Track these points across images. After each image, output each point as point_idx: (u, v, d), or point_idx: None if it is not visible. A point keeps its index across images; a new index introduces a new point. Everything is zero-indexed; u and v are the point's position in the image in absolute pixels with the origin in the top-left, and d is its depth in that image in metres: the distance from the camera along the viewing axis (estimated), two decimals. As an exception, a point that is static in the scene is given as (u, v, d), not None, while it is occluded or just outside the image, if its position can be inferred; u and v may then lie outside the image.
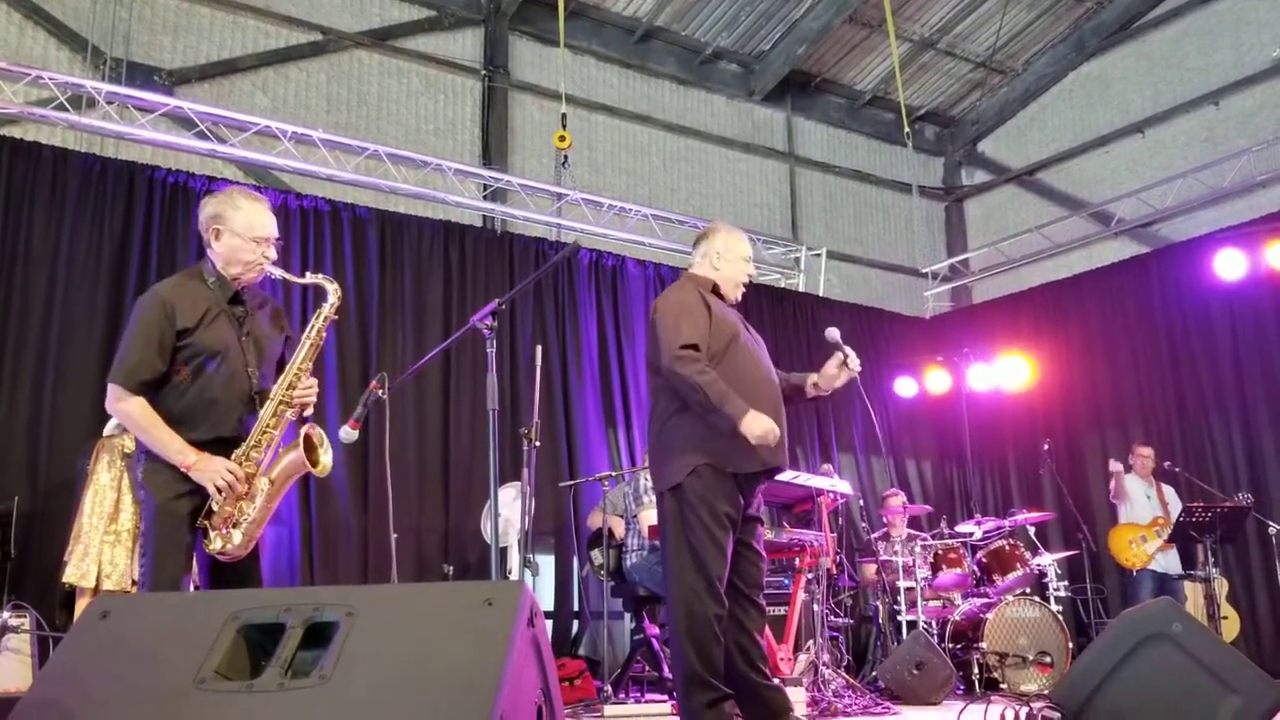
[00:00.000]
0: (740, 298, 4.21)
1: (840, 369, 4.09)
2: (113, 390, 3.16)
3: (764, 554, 4.02)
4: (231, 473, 3.12)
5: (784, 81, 10.77)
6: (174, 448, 3.11)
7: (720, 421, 3.69)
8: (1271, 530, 7.41)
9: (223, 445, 3.19)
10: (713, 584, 3.72)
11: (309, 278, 3.46)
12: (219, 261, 3.32)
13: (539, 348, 5.56)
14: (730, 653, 3.80)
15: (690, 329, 3.82)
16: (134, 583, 5.44)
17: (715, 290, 4.11)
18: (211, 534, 3.13)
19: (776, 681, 3.91)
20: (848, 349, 4.10)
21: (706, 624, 3.70)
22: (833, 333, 4.21)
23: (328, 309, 3.41)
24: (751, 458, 3.75)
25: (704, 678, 3.68)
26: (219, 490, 3.10)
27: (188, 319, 3.19)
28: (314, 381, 3.34)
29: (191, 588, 3.16)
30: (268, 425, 3.23)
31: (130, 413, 3.15)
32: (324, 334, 3.39)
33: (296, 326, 3.42)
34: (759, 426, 3.64)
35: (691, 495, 3.77)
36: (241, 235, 3.29)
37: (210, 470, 3.10)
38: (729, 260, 4.13)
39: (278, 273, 3.40)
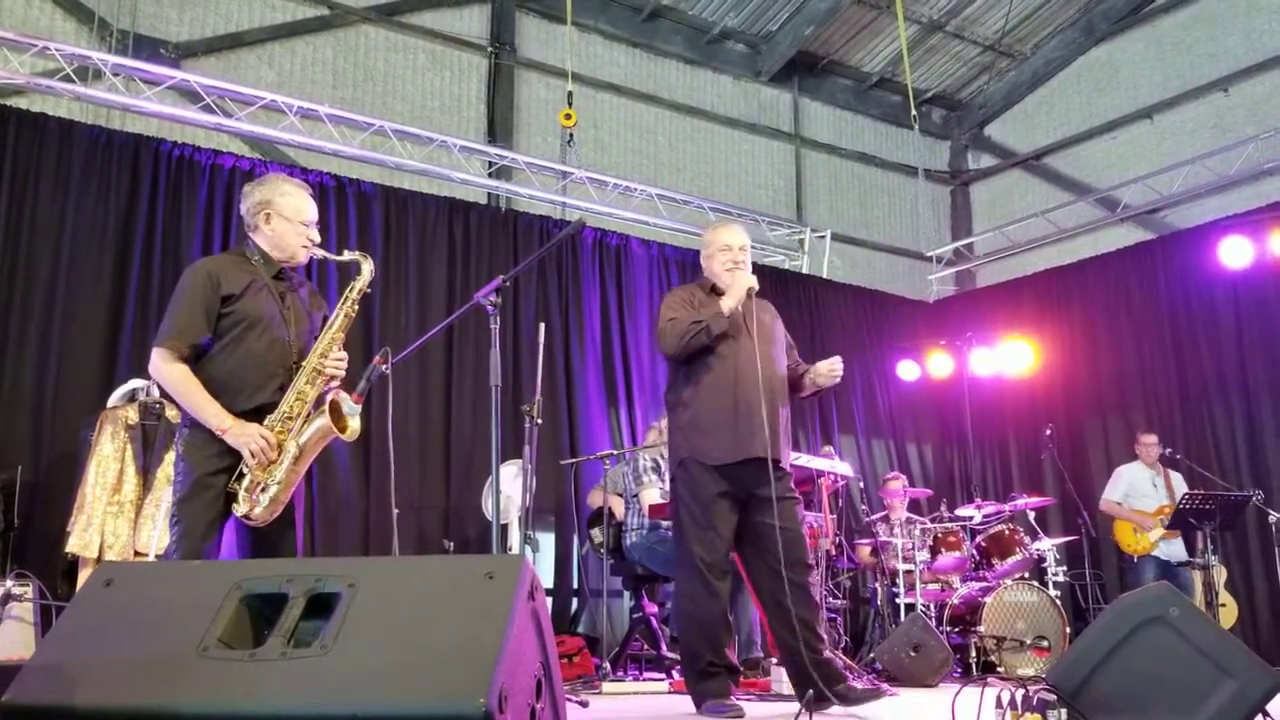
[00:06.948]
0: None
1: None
2: (156, 354, 3.25)
3: (798, 531, 4.07)
4: (264, 439, 3.19)
5: (791, 62, 10.73)
6: (210, 412, 3.19)
7: None
8: (1271, 519, 7.40)
9: (263, 413, 3.27)
10: (698, 566, 3.99)
11: (347, 254, 3.60)
12: (266, 244, 3.45)
13: (542, 325, 5.56)
14: (783, 635, 3.99)
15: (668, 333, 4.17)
16: (136, 553, 5.49)
17: (715, 289, 4.31)
18: (240, 498, 3.20)
19: (827, 654, 4.02)
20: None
21: (695, 603, 4.01)
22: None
23: (362, 282, 3.53)
24: (724, 449, 4.01)
25: (695, 651, 4.03)
26: (252, 456, 3.17)
27: (232, 286, 3.31)
28: (345, 355, 3.45)
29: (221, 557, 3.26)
30: (301, 392, 3.31)
31: (172, 376, 3.24)
32: (357, 305, 3.51)
33: (333, 307, 3.55)
34: None
35: (681, 486, 4.13)
36: (290, 219, 3.44)
37: (244, 436, 3.18)
38: (709, 256, 4.37)
39: (319, 253, 3.54)
